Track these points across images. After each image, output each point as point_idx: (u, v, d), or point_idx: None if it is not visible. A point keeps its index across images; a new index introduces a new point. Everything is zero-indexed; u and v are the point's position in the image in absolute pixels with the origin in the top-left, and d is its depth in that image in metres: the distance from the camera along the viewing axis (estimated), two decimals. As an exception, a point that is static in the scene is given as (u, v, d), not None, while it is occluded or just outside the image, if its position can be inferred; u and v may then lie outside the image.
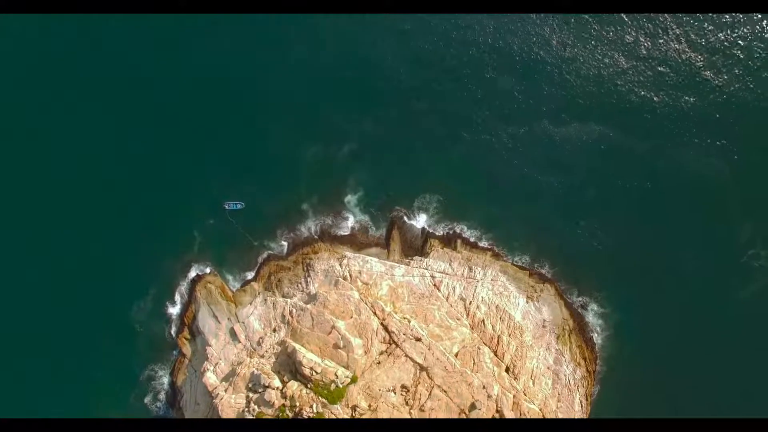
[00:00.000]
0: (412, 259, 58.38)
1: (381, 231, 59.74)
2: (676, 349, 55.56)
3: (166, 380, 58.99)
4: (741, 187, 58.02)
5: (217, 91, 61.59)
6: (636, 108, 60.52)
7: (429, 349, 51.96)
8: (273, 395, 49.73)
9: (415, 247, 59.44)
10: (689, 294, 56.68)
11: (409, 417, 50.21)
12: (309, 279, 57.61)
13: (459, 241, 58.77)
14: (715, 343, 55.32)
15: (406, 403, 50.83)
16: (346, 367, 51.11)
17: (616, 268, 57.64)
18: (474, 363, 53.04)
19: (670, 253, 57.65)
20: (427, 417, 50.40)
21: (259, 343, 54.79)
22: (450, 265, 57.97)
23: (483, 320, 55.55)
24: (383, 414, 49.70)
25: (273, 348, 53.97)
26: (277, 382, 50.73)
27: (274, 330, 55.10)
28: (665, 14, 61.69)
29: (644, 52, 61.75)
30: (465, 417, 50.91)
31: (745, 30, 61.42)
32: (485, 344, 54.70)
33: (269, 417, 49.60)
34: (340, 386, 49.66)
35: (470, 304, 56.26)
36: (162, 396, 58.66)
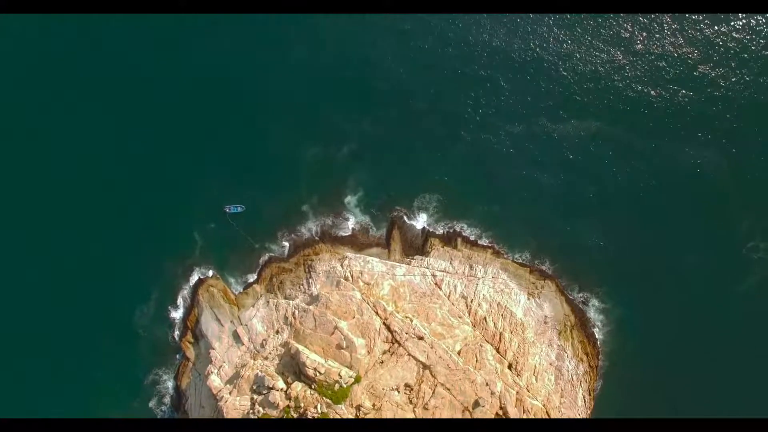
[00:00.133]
0: (413, 259, 58.60)
1: (381, 231, 59.94)
2: (677, 342, 55.78)
3: (170, 384, 59.19)
4: (739, 180, 58.32)
5: (216, 91, 61.69)
6: (633, 103, 60.78)
7: (432, 348, 52.20)
8: (277, 396, 49.94)
9: (416, 246, 59.66)
10: (689, 288, 56.90)
11: (413, 415, 50.46)
12: (311, 280, 57.82)
13: (459, 240, 59.01)
14: (716, 336, 55.55)
15: (410, 402, 51.08)
16: (350, 367, 51.35)
17: (617, 264, 57.88)
18: (477, 360, 53.29)
19: (669, 247, 57.90)
20: (431, 415, 50.66)
21: (262, 345, 55.00)
22: (451, 263, 58.20)
23: (485, 318, 55.79)
24: (387, 413, 49.94)
25: (276, 350, 54.19)
26: (281, 384, 50.95)
27: (277, 332, 55.32)
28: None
29: (640, 47, 61.99)
30: (469, 414, 51.16)
31: (740, 24, 61.66)
32: (487, 341, 54.94)
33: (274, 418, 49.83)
34: (344, 386, 49.89)
35: (472, 301, 56.50)
36: (167, 399, 58.85)
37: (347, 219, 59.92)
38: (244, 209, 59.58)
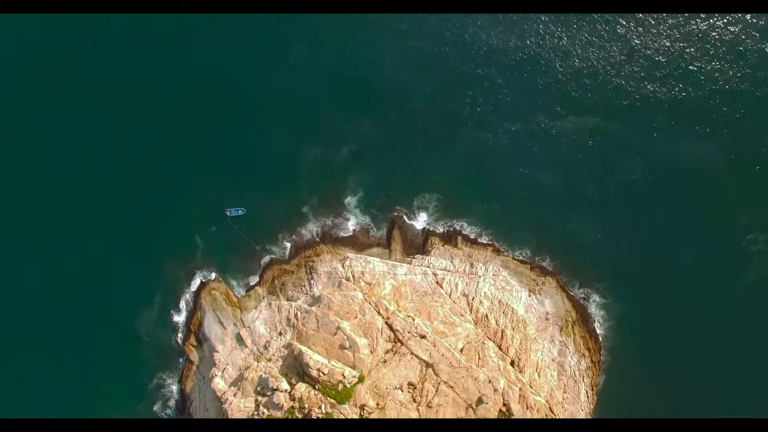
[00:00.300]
0: (413, 258, 58.84)
1: (382, 231, 60.15)
2: (678, 336, 55.99)
3: (174, 388, 59.41)
4: (737, 173, 58.53)
5: (215, 92, 61.88)
6: (631, 99, 60.98)
7: (434, 346, 52.43)
8: (282, 398, 50.17)
9: (416, 245, 59.89)
10: (689, 282, 57.12)
11: (417, 414, 50.68)
12: (312, 281, 58.06)
13: (459, 238, 59.23)
14: (717, 329, 55.79)
15: (414, 400, 51.31)
16: (353, 367, 51.57)
17: (617, 259, 58.09)
18: (479, 358, 53.51)
19: (668, 241, 58.13)
20: (435, 413, 50.89)
21: (265, 347, 55.25)
22: (451, 262, 58.43)
23: (486, 315, 56.03)
24: (391, 412, 50.18)
25: (280, 351, 54.42)
26: (285, 385, 51.17)
27: (280, 333, 55.56)
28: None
29: (637, 42, 62.18)
30: (473, 411, 51.38)
31: (735, 18, 61.77)
32: (489, 339, 55.17)
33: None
34: (348, 386, 50.12)
35: (473, 299, 56.73)
36: (171, 403, 59.08)
37: (347, 220, 60.14)
38: (245, 212, 59.82)
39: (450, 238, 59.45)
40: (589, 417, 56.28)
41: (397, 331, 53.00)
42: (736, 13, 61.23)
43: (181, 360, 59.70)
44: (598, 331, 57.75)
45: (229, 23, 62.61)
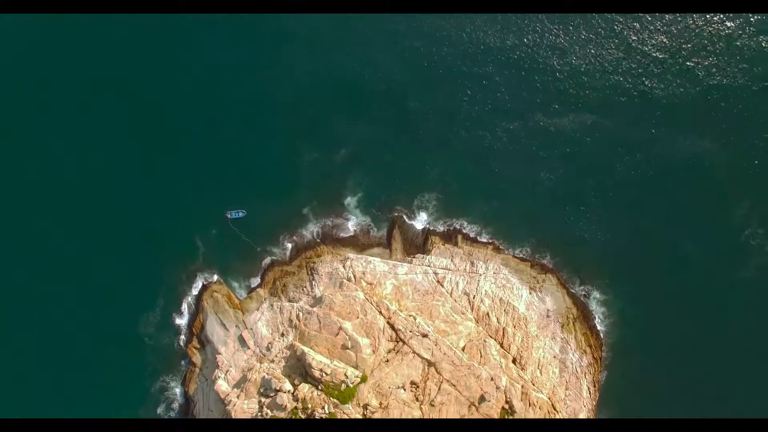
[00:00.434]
0: (414, 257, 59.01)
1: (382, 231, 60.34)
2: (680, 331, 56.08)
3: (178, 390, 59.58)
4: (736, 167, 58.67)
5: (214, 94, 62.12)
6: (628, 95, 61.17)
7: (436, 345, 52.60)
8: (285, 398, 50.35)
9: (417, 244, 60.07)
10: (689, 276, 57.26)
11: (420, 412, 50.85)
12: (314, 282, 58.24)
13: (460, 237, 59.42)
14: (718, 322, 55.93)
15: (417, 399, 51.49)
16: (356, 367, 51.75)
17: (616, 255, 58.24)
18: (481, 356, 53.69)
19: (668, 237, 58.25)
20: (438, 411, 51.05)
21: (268, 348, 55.43)
22: (452, 260, 58.61)
23: (487, 313, 56.19)
24: (394, 411, 50.35)
25: (282, 352, 54.60)
26: (288, 386, 51.35)
27: (282, 334, 55.74)
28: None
29: (634, 38, 62.37)
30: (475, 409, 51.55)
31: (731, 13, 61.95)
32: (491, 337, 55.34)
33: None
34: (351, 386, 50.29)
35: (474, 298, 56.90)
36: (175, 405, 59.24)
37: (348, 220, 60.32)
38: (245, 214, 59.97)
39: (450, 237, 59.63)
40: (591, 412, 56.45)
41: (399, 330, 53.18)
42: (736, 12, 61.34)
43: (183, 363, 59.86)
44: (599, 328, 57.92)
45: (229, 23, 62.82)
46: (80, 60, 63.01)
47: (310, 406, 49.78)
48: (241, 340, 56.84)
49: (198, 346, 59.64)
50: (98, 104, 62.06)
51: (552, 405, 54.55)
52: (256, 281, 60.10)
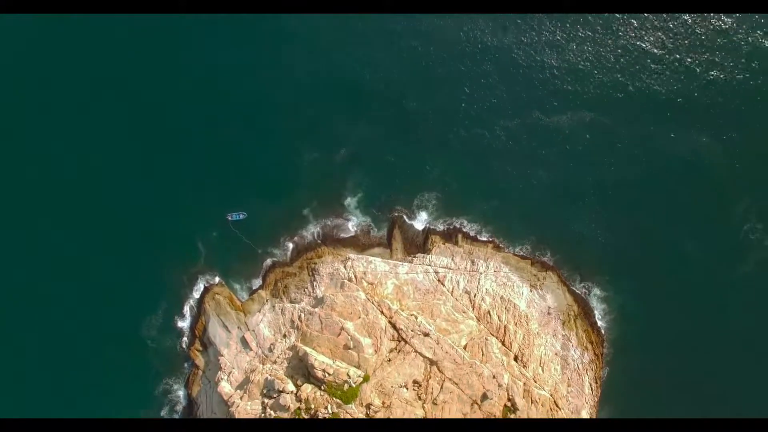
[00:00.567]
0: (414, 257, 59.16)
1: (382, 231, 60.47)
2: (680, 327, 56.29)
3: (181, 393, 59.70)
4: (734, 163, 58.83)
5: (214, 95, 62.18)
6: (626, 92, 61.28)
7: (437, 344, 52.77)
8: (288, 399, 50.53)
9: (417, 244, 60.21)
10: (689, 272, 57.49)
11: (422, 411, 51.02)
12: (315, 283, 58.38)
13: (460, 236, 59.57)
14: (718, 317, 56.15)
15: (419, 398, 51.66)
16: (358, 367, 51.92)
17: (617, 252, 58.41)
18: (483, 354, 53.86)
19: (668, 233, 58.43)
20: (441, 410, 51.22)
21: (270, 350, 55.59)
22: (452, 259, 58.76)
23: (489, 311, 56.36)
24: (397, 410, 50.52)
25: (284, 353, 54.75)
26: (291, 386, 51.53)
27: (285, 335, 55.90)
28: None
29: (632, 35, 62.43)
30: (478, 407, 51.73)
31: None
32: (492, 335, 55.51)
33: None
34: (353, 386, 50.46)
35: (475, 296, 57.07)
36: (178, 408, 59.35)
37: (348, 221, 60.44)
38: (246, 216, 60.07)
39: (450, 236, 59.78)
40: (594, 409, 56.67)
41: (401, 329, 53.34)
42: (736, 13, 61.39)
43: (186, 365, 60.00)
44: (600, 324, 58.12)
45: (229, 23, 62.89)
46: (80, 60, 63.09)
47: (313, 406, 49.96)
48: (244, 342, 57.01)
49: (200, 349, 59.79)
50: (98, 104, 62.15)
51: (554, 402, 54.74)
52: (257, 283, 60.23)
